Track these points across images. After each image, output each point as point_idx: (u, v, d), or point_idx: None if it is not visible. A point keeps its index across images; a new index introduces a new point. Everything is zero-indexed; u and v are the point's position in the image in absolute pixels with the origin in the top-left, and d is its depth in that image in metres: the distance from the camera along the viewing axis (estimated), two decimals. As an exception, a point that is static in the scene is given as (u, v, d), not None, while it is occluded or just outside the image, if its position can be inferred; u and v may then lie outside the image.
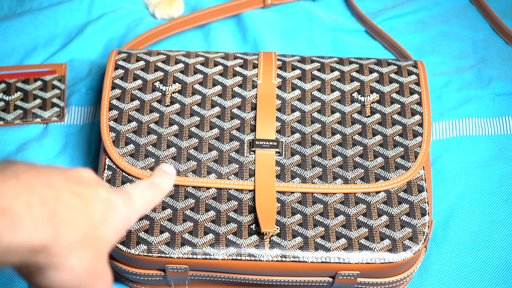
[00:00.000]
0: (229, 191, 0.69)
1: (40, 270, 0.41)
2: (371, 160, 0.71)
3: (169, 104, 0.73)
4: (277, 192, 0.69)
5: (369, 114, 0.74)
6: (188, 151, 0.71)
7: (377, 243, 0.67)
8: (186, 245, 0.66)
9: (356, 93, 0.75)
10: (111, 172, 0.70)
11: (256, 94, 0.74)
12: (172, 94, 0.74)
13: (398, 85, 0.76)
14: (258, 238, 0.67)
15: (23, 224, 0.38)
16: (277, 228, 0.67)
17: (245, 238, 0.67)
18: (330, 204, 0.69)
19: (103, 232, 0.44)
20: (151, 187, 0.51)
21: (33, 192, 0.39)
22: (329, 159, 0.71)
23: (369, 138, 0.72)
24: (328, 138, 0.72)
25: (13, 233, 0.38)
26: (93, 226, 0.42)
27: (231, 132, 0.72)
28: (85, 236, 0.41)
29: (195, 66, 0.76)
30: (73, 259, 0.41)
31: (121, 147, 0.71)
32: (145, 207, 0.49)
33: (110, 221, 0.44)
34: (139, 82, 0.74)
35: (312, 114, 0.73)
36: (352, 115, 0.73)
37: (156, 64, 0.76)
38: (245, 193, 0.69)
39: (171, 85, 0.74)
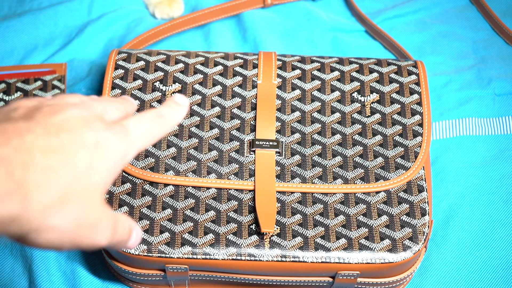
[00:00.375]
0: (229, 191, 0.69)
1: (22, 236, 0.40)
2: (371, 160, 0.71)
3: (169, 104, 0.73)
4: (277, 192, 0.69)
5: (369, 114, 0.74)
6: (188, 151, 0.71)
7: (377, 243, 0.67)
8: (186, 245, 0.66)
9: (356, 93, 0.75)
10: (111, 172, 0.70)
11: (256, 94, 0.74)
12: (172, 94, 0.74)
13: (398, 85, 0.76)
14: (258, 238, 0.67)
15: None
16: (277, 228, 0.67)
17: (245, 238, 0.67)
18: (330, 204, 0.69)
19: (91, 179, 0.42)
20: (156, 119, 0.48)
21: (1, 162, 0.38)
22: (329, 159, 0.71)
23: (369, 138, 0.72)
24: (328, 138, 0.72)
25: None
26: (75, 179, 0.41)
27: (231, 132, 0.72)
28: (64, 193, 0.40)
29: (195, 66, 0.76)
30: (54, 219, 0.40)
31: (121, 147, 0.71)
32: (147, 140, 0.47)
33: (99, 164, 0.42)
34: (139, 82, 0.74)
35: (312, 114, 0.73)
36: (352, 115, 0.74)
37: (156, 64, 0.76)
38: (245, 193, 0.69)
39: (171, 85, 0.74)
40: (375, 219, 0.68)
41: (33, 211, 0.39)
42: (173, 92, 0.74)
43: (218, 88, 0.74)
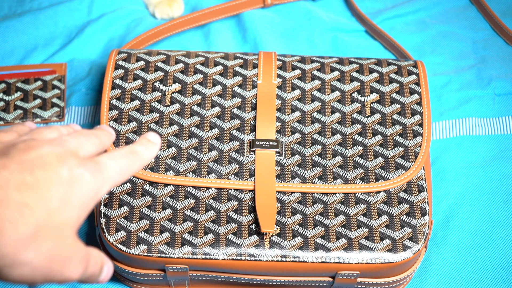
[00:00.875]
0: (229, 191, 0.69)
1: None
2: (371, 160, 0.71)
3: (169, 104, 0.73)
4: (277, 192, 0.69)
5: (369, 114, 0.74)
6: (188, 151, 0.71)
7: (377, 243, 0.67)
8: (186, 245, 0.66)
9: (356, 93, 0.75)
10: (111, 172, 0.70)
11: (256, 94, 0.74)
12: (172, 94, 0.74)
13: (398, 85, 0.76)
14: (258, 238, 0.67)
15: None
16: (277, 228, 0.67)
17: (245, 238, 0.67)
18: (330, 204, 0.69)
19: (64, 214, 0.43)
20: (128, 156, 0.49)
21: None
22: (329, 159, 0.71)
23: (369, 138, 0.72)
24: (328, 138, 0.72)
25: None
26: (48, 215, 0.42)
27: (231, 132, 0.72)
28: (38, 228, 0.41)
29: (195, 66, 0.76)
30: (27, 254, 0.41)
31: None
32: (120, 176, 0.48)
33: (73, 200, 0.43)
34: (139, 82, 0.74)
35: (312, 114, 0.73)
36: (352, 115, 0.73)
37: (156, 64, 0.76)
38: (245, 193, 0.69)
39: (171, 85, 0.74)
40: (375, 219, 0.68)
41: (7, 246, 0.40)
42: (174, 92, 0.74)
43: (218, 88, 0.74)
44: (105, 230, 0.67)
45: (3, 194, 0.40)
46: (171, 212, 0.68)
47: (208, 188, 0.69)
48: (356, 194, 0.69)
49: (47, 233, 0.41)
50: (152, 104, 0.73)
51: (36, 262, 0.41)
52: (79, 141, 0.47)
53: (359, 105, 0.74)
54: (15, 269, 0.41)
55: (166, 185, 0.69)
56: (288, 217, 0.68)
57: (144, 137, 0.52)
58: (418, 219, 0.68)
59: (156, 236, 0.66)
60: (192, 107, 0.73)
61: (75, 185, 0.44)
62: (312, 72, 0.76)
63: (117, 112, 0.72)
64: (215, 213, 0.68)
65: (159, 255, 0.66)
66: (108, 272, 0.49)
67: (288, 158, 0.71)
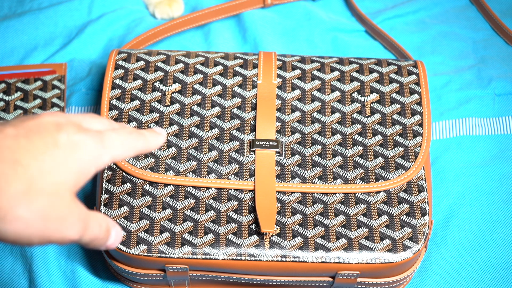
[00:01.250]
0: (229, 191, 0.69)
1: None
2: (371, 160, 0.71)
3: (169, 104, 0.73)
4: (277, 192, 0.69)
5: (369, 114, 0.74)
6: (188, 151, 0.71)
7: (377, 243, 0.67)
8: (186, 245, 0.66)
9: (356, 93, 0.75)
10: (111, 172, 0.70)
11: (256, 94, 0.74)
12: (172, 94, 0.74)
13: (398, 85, 0.76)
14: (258, 238, 0.67)
15: None
16: (277, 228, 0.67)
17: (245, 238, 0.67)
18: (330, 204, 0.69)
19: (59, 176, 0.44)
20: (133, 134, 0.51)
21: None
22: (329, 159, 0.71)
23: (369, 138, 0.72)
24: (328, 138, 0.72)
25: None
26: (41, 174, 0.43)
27: (231, 132, 0.72)
28: (30, 185, 0.42)
29: (195, 66, 0.76)
30: (19, 209, 0.42)
31: (121, 147, 0.70)
32: (122, 150, 0.49)
33: (69, 163, 0.45)
34: (139, 82, 0.74)
35: (312, 114, 0.73)
36: (352, 115, 0.73)
37: (156, 64, 0.76)
38: (245, 193, 0.69)
39: (171, 85, 0.74)
40: (375, 219, 0.68)
41: (0, 200, 0.41)
42: (174, 92, 0.74)
43: (218, 88, 0.74)
44: (105, 230, 0.67)
45: None
46: (171, 212, 0.68)
47: (208, 188, 0.69)
48: (356, 194, 0.69)
49: (40, 191, 0.43)
50: (152, 104, 0.73)
51: (30, 219, 0.43)
52: (86, 117, 0.49)
53: (359, 105, 0.74)
54: (9, 225, 0.42)
55: (166, 185, 0.69)
56: (288, 217, 0.68)
57: (151, 129, 0.54)
58: (418, 219, 0.68)
59: (156, 236, 0.66)
60: (192, 107, 0.73)
61: (73, 149, 0.45)
62: (312, 72, 0.76)
63: (117, 112, 0.72)
64: (215, 213, 0.68)
65: (159, 255, 0.66)
66: (116, 237, 0.50)
67: (288, 158, 0.71)
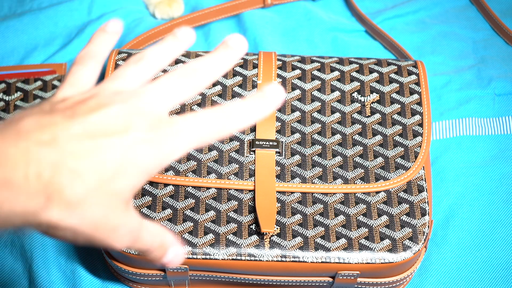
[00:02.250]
0: (229, 191, 0.69)
1: (40, 229, 0.41)
2: (371, 160, 0.71)
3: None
4: (277, 192, 0.69)
5: (369, 114, 0.74)
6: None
7: (377, 243, 0.67)
8: (186, 245, 0.66)
9: (356, 93, 0.75)
10: (111, 172, 0.70)
11: (256, 94, 0.74)
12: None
13: (398, 85, 0.76)
14: (258, 238, 0.67)
15: (20, 196, 0.38)
16: (277, 228, 0.67)
17: (245, 238, 0.67)
18: (330, 204, 0.69)
19: (117, 184, 0.41)
20: (220, 118, 0.43)
21: (31, 160, 0.38)
22: (329, 159, 0.71)
23: (369, 138, 0.72)
24: (328, 138, 0.72)
25: (10, 203, 0.38)
26: (100, 184, 0.40)
27: (231, 132, 0.72)
28: (86, 196, 0.40)
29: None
30: (71, 219, 0.40)
31: (121, 147, 0.71)
32: (199, 140, 0.43)
33: (130, 169, 0.41)
34: (139, 82, 0.74)
35: (312, 114, 0.73)
36: (352, 115, 0.74)
37: (156, 64, 0.76)
38: (245, 193, 0.69)
39: (171, 85, 0.74)
40: (375, 219, 0.68)
41: (53, 211, 0.40)
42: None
43: (218, 88, 0.74)
44: (105, 230, 0.67)
45: (58, 159, 0.39)
46: (171, 212, 0.68)
47: (208, 188, 0.69)
48: (356, 194, 0.69)
49: (95, 202, 0.40)
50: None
51: (80, 228, 0.41)
52: (165, 91, 0.43)
53: (359, 105, 0.74)
54: (59, 231, 0.41)
55: (166, 185, 0.69)
56: (288, 217, 0.68)
57: (260, 92, 0.44)
58: (418, 219, 0.68)
59: (156, 236, 0.66)
60: (192, 107, 0.73)
61: (137, 153, 0.41)
62: (312, 72, 0.76)
63: (117, 112, 0.72)
64: (215, 213, 0.68)
65: (159, 255, 0.66)
66: (175, 257, 0.46)
67: (288, 158, 0.71)
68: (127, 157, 0.41)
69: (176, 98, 0.44)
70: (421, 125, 0.73)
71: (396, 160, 0.71)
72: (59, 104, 0.42)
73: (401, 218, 0.68)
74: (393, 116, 0.73)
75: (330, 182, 0.70)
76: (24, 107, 0.39)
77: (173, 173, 0.69)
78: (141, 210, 0.68)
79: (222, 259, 0.66)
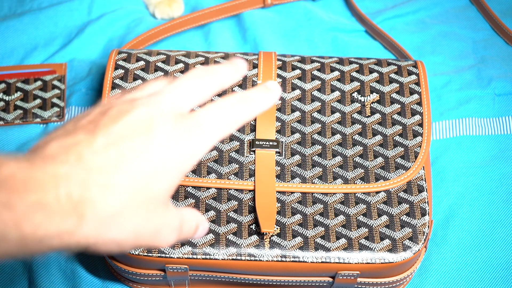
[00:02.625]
0: (229, 191, 0.69)
1: (82, 248, 0.40)
2: (371, 160, 0.71)
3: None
4: (277, 192, 0.69)
5: (369, 114, 0.74)
6: (188, 151, 0.71)
7: (377, 243, 0.67)
8: (186, 245, 0.66)
9: (356, 93, 0.75)
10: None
11: (256, 94, 0.74)
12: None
13: (398, 85, 0.76)
14: (258, 238, 0.67)
15: (54, 217, 0.38)
16: (277, 228, 0.67)
17: (245, 238, 0.67)
18: (330, 204, 0.69)
19: (151, 189, 0.40)
20: (239, 102, 0.43)
21: (60, 181, 0.38)
22: (329, 159, 0.71)
23: (369, 138, 0.72)
24: (328, 138, 0.72)
25: (46, 226, 0.38)
26: (133, 193, 0.40)
27: (231, 132, 0.72)
28: (121, 207, 0.39)
29: (195, 66, 0.76)
30: (110, 233, 0.39)
31: (121, 147, 0.70)
32: (223, 131, 0.43)
33: (162, 172, 0.40)
34: (139, 82, 0.74)
35: (312, 114, 0.73)
36: (352, 115, 0.74)
37: (156, 64, 0.76)
38: (245, 193, 0.69)
39: (171, 85, 0.74)
40: (375, 219, 0.68)
41: (88, 228, 0.39)
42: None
43: (218, 88, 0.74)
44: (105, 230, 0.67)
45: (86, 176, 0.39)
46: (171, 212, 0.68)
47: (208, 188, 0.69)
48: (356, 194, 0.69)
49: (133, 211, 0.40)
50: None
51: (121, 239, 0.40)
52: (183, 90, 0.43)
53: (359, 105, 0.74)
54: (101, 247, 0.40)
55: (166, 185, 0.69)
56: (288, 217, 0.68)
57: (263, 85, 0.46)
58: (418, 219, 0.68)
59: (156, 236, 0.66)
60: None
61: (166, 153, 0.40)
62: (312, 72, 0.76)
63: (117, 112, 0.72)
64: (215, 213, 0.68)
65: (159, 255, 0.66)
66: (202, 232, 0.47)
67: (288, 158, 0.71)
68: (156, 159, 0.40)
69: (195, 97, 0.44)
70: (421, 125, 0.73)
71: (396, 160, 0.71)
72: (81, 121, 0.42)
73: (401, 218, 0.68)
74: (393, 116, 0.73)
75: (330, 182, 0.70)
76: (49, 131, 0.38)
77: (173, 173, 0.69)
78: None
79: (222, 259, 0.66)
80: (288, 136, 0.72)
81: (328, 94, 0.75)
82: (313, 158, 0.71)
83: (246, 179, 0.70)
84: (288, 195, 0.69)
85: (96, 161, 0.39)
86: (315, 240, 0.67)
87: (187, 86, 0.44)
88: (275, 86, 0.46)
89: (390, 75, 0.76)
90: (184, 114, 0.42)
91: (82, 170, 0.39)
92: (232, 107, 0.44)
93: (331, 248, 0.66)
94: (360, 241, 0.67)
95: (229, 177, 0.70)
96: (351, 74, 0.76)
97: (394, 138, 0.72)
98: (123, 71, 0.75)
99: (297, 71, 0.76)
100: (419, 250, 0.67)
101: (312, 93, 0.75)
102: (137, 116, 0.41)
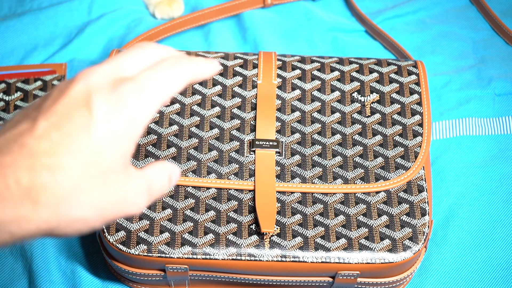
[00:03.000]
0: (229, 191, 0.69)
1: (47, 233, 0.40)
2: (371, 160, 0.71)
3: (169, 104, 0.73)
4: (277, 192, 0.69)
5: (369, 114, 0.74)
6: (188, 151, 0.71)
7: (377, 243, 0.67)
8: (186, 245, 0.66)
9: (356, 93, 0.75)
10: (111, 172, 0.70)
11: (256, 94, 0.74)
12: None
13: (398, 85, 0.76)
14: (258, 238, 0.67)
15: (7, 204, 0.38)
16: (277, 228, 0.67)
17: (245, 238, 0.67)
18: (330, 204, 0.69)
19: (103, 162, 0.40)
20: (177, 63, 0.43)
21: (7, 171, 0.38)
22: (329, 159, 0.71)
23: (369, 138, 0.72)
24: (328, 138, 0.72)
25: (1, 212, 0.38)
26: (83, 169, 0.39)
27: (231, 132, 0.72)
28: (75, 186, 0.39)
29: (195, 66, 0.76)
30: (71, 213, 0.39)
31: (121, 147, 0.70)
32: (164, 93, 0.42)
33: (110, 142, 0.40)
34: (139, 82, 0.74)
35: (312, 114, 0.73)
36: (352, 115, 0.74)
37: (156, 64, 0.76)
38: (245, 193, 0.69)
39: (171, 85, 0.74)
40: (375, 219, 0.68)
41: (46, 211, 0.39)
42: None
43: (218, 88, 0.74)
44: (105, 230, 0.67)
45: (31, 162, 0.39)
46: (171, 212, 0.68)
47: (208, 188, 0.69)
48: (356, 194, 0.69)
49: (88, 187, 0.39)
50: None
51: (85, 216, 0.40)
52: (124, 56, 0.43)
53: (359, 105, 0.74)
54: (66, 228, 0.40)
55: (166, 185, 0.69)
56: (288, 217, 0.68)
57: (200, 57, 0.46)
58: (418, 219, 0.68)
59: (156, 236, 0.66)
60: (192, 107, 0.73)
61: (108, 121, 0.40)
62: (312, 72, 0.76)
63: (117, 112, 0.72)
64: (215, 213, 0.68)
65: (159, 255, 0.66)
66: (175, 179, 0.46)
67: (288, 158, 0.71)
68: (100, 131, 0.40)
69: (137, 62, 0.43)
70: (421, 125, 0.73)
71: (396, 160, 0.71)
72: (28, 109, 0.42)
73: (401, 218, 0.68)
74: (393, 116, 0.73)
75: (330, 182, 0.70)
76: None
77: (173, 173, 0.69)
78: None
79: (222, 259, 0.66)
80: (288, 136, 0.72)
81: (328, 94, 0.75)
82: (313, 158, 0.71)
83: (246, 179, 0.70)
84: (288, 195, 0.69)
85: (40, 145, 0.39)
86: (315, 240, 0.67)
87: (131, 53, 0.43)
88: (216, 62, 0.46)
89: (390, 75, 0.76)
90: (123, 79, 0.41)
91: (26, 156, 0.39)
92: (171, 66, 0.43)
93: (331, 248, 0.66)
94: (360, 241, 0.67)
95: (229, 177, 0.70)
96: (351, 74, 0.76)
97: (394, 138, 0.72)
98: (123, 71, 0.75)
99: (297, 71, 0.76)
100: (419, 250, 0.67)
101: (312, 93, 0.75)
102: (75, 92, 0.40)
